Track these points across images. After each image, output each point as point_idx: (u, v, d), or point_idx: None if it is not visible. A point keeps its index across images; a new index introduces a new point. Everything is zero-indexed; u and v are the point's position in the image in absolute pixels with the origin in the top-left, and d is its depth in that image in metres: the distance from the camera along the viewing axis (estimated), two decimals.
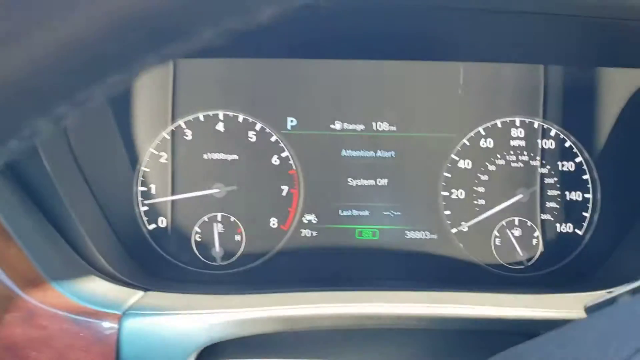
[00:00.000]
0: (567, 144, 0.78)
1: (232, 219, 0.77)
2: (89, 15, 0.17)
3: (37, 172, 0.59)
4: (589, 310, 0.48)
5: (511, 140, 0.78)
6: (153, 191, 0.76)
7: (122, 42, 0.18)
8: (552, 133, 0.78)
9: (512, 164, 0.78)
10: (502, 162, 0.78)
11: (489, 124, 0.78)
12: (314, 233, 0.79)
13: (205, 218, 0.77)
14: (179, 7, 0.17)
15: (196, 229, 0.77)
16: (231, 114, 0.77)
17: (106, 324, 0.53)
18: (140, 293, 0.61)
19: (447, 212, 0.78)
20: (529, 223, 0.77)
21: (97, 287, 0.59)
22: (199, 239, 0.77)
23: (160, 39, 0.18)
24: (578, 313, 0.57)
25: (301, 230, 0.79)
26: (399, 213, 0.79)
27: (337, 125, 0.79)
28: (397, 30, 0.67)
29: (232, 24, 0.18)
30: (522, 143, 0.78)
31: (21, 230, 0.55)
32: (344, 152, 0.79)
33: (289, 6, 0.19)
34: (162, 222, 0.77)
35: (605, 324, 0.26)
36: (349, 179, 0.79)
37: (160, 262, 0.75)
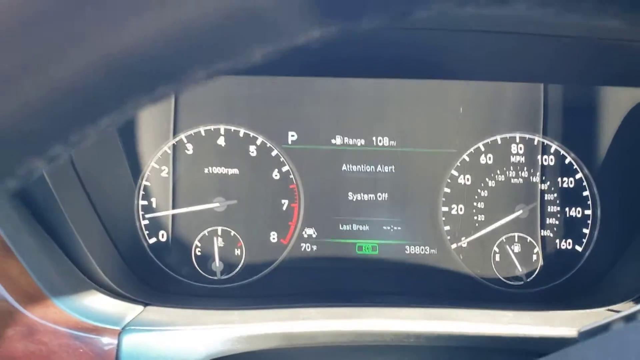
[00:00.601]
0: (567, 160, 0.78)
1: (232, 233, 0.78)
2: (83, 60, 0.17)
3: (39, 186, 0.60)
4: (582, 335, 0.49)
5: (511, 157, 0.78)
6: (154, 205, 0.77)
7: (114, 85, 0.18)
8: (552, 149, 0.78)
9: (512, 180, 0.78)
10: (502, 178, 0.78)
11: (488, 140, 0.78)
12: (314, 247, 0.79)
13: (206, 232, 0.78)
14: (170, 51, 0.18)
15: (196, 242, 0.78)
16: (232, 128, 0.78)
17: (105, 340, 0.54)
18: (139, 308, 0.62)
19: (447, 228, 0.79)
20: (529, 239, 0.78)
21: (97, 302, 0.59)
22: (199, 253, 0.78)
23: (152, 81, 0.18)
24: (573, 332, 0.57)
25: (301, 244, 0.79)
26: (399, 228, 0.80)
27: (338, 140, 0.79)
28: (398, 51, 0.68)
29: (223, 66, 0.19)
30: (522, 159, 0.78)
31: (22, 245, 0.55)
32: (344, 167, 0.79)
33: (280, 48, 0.19)
34: (163, 235, 0.77)
35: (595, 353, 0.26)
36: (349, 194, 0.79)
37: (160, 275, 0.76)
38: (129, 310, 0.60)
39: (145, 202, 0.77)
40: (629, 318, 0.29)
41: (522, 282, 0.78)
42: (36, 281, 0.54)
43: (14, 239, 0.55)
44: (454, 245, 0.78)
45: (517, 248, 0.78)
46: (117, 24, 0.17)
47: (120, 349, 0.54)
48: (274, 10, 0.18)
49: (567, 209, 0.78)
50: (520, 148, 0.78)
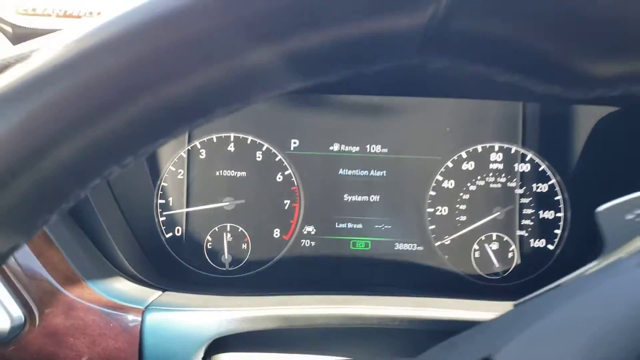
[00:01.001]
0: (541, 168, 0.86)
1: (240, 229, 0.86)
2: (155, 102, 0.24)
3: None
4: (516, 306, 0.55)
5: (490, 164, 0.86)
6: (171, 203, 0.85)
7: (166, 120, 0.25)
8: (528, 158, 0.86)
9: (491, 185, 0.86)
10: (482, 182, 0.86)
11: (470, 149, 0.86)
12: (313, 243, 0.87)
13: (216, 228, 0.85)
14: (202, 97, 0.25)
15: (208, 237, 0.86)
16: (241, 136, 0.86)
17: (131, 317, 0.63)
18: (158, 292, 0.71)
19: (432, 227, 0.86)
20: (506, 238, 0.86)
21: (123, 286, 0.68)
22: (210, 247, 0.86)
23: (175, 121, 0.25)
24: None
25: (301, 240, 0.87)
26: (389, 226, 0.87)
27: (335, 147, 0.88)
28: (390, 73, 0.76)
29: (238, 106, 0.27)
30: (500, 166, 0.86)
31: (61, 237, 0.65)
32: (340, 171, 0.87)
33: (279, 92, 0.27)
34: (178, 231, 0.86)
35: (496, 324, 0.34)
36: (345, 195, 0.87)
37: (176, 266, 0.84)
38: (150, 294, 0.69)
39: (163, 201, 0.85)
40: (557, 287, 0.37)
41: (498, 277, 0.86)
42: (73, 267, 0.64)
43: (54, 232, 0.64)
44: (438, 243, 0.86)
45: (495, 246, 0.86)
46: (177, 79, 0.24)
47: (144, 324, 0.63)
48: (265, 71, 0.25)
49: (540, 212, 0.86)
50: (499, 156, 0.86)
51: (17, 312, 0.58)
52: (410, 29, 0.24)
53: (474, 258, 0.86)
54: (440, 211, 0.86)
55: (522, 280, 0.85)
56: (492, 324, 0.34)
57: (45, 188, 0.24)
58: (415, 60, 0.26)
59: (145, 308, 0.64)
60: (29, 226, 0.26)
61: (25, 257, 0.60)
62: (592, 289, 0.31)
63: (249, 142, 0.86)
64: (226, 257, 0.85)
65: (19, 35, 1.09)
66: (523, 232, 0.86)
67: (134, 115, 0.24)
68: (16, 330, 0.58)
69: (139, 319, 0.63)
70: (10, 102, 0.23)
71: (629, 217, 0.38)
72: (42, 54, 0.22)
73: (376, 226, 0.87)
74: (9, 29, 1.08)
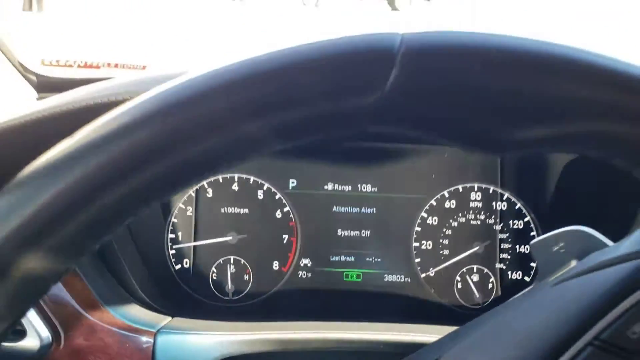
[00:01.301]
0: (517, 206, 0.94)
1: (243, 261, 0.93)
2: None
3: None
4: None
5: (470, 202, 0.94)
6: (180, 238, 0.93)
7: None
8: (505, 197, 0.94)
9: (472, 222, 0.94)
10: (463, 219, 0.94)
11: (452, 189, 0.94)
12: (309, 274, 0.94)
13: (221, 260, 0.93)
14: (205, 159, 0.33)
15: (213, 269, 0.93)
16: (244, 176, 0.95)
17: (144, 339, 0.70)
18: (168, 318, 0.78)
19: (418, 260, 0.94)
20: (485, 270, 0.94)
21: (137, 312, 0.76)
22: (215, 277, 0.93)
23: (191, 174, 0.33)
24: None
25: (298, 272, 0.94)
26: (379, 259, 0.94)
27: (329, 186, 0.96)
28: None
29: (236, 164, 0.35)
30: (480, 205, 0.94)
31: (84, 268, 0.73)
32: (334, 208, 0.95)
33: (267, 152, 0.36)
34: (187, 263, 0.93)
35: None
36: (339, 230, 0.95)
37: (184, 294, 0.91)
38: (161, 319, 0.76)
39: (173, 235, 0.93)
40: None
41: (479, 306, 0.93)
42: (94, 293, 0.71)
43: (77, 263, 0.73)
44: (423, 275, 0.94)
45: (475, 278, 0.93)
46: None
47: (156, 345, 0.70)
48: (254, 138, 0.33)
49: (517, 246, 0.93)
50: (478, 195, 0.95)
51: (46, 333, 0.66)
52: (362, 108, 0.32)
53: (457, 289, 0.93)
54: (425, 245, 0.94)
55: None
56: (443, 338, 0.42)
57: (97, 224, 0.33)
58: (370, 128, 0.35)
59: (157, 331, 0.72)
60: (81, 253, 0.34)
61: None
62: (516, 306, 0.39)
63: (251, 182, 0.95)
64: (230, 287, 0.92)
65: (43, 84, 1.20)
66: (502, 265, 0.94)
67: (159, 173, 0.32)
68: (44, 349, 0.66)
69: (152, 340, 0.70)
70: (69, 161, 0.31)
71: (555, 248, 0.46)
72: (106, 120, 0.31)
73: (367, 259, 0.95)
74: (34, 78, 1.19)
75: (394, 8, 1.46)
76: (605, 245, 0.43)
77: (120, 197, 0.30)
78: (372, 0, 1.49)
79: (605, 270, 0.38)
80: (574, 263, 0.41)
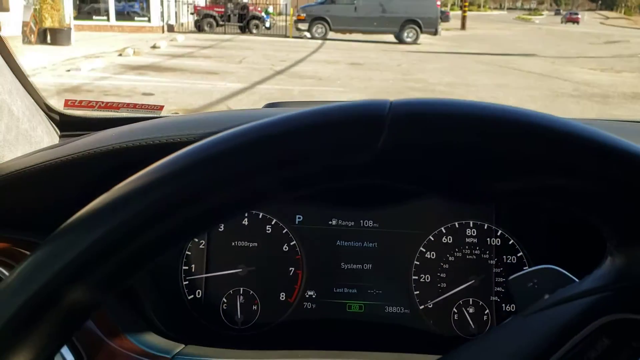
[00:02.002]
0: (510, 242, 1.00)
1: (251, 292, 0.98)
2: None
3: None
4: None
5: (466, 238, 1.00)
6: (193, 270, 0.98)
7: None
8: (499, 233, 1.00)
9: (467, 256, 1.00)
10: (459, 254, 1.00)
11: (449, 225, 1.01)
12: (314, 305, 0.99)
13: (231, 291, 0.98)
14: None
15: (223, 299, 0.98)
16: (253, 212, 1.01)
17: None
18: (182, 345, 0.84)
19: (417, 292, 0.99)
20: (481, 303, 0.99)
21: (153, 339, 0.81)
22: (225, 308, 0.98)
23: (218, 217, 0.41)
24: None
25: (304, 303, 0.99)
26: (380, 291, 0.99)
27: (334, 222, 1.02)
28: None
29: (252, 209, 0.42)
30: (475, 240, 1.00)
31: None
32: (338, 242, 1.01)
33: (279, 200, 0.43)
34: (199, 293, 0.99)
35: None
36: (342, 264, 1.00)
37: (196, 324, 0.97)
38: (175, 346, 0.81)
39: (186, 267, 0.99)
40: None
41: (474, 337, 0.98)
42: (115, 322, 0.78)
43: None
44: (421, 306, 0.99)
45: (471, 309, 0.98)
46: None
47: None
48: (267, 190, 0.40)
49: None
50: (474, 232, 1.00)
51: (70, 358, 0.72)
52: (354, 165, 0.39)
53: (453, 320, 0.98)
54: (424, 278, 0.99)
55: None
56: None
57: (133, 262, 0.39)
58: (361, 182, 0.41)
59: (172, 357, 0.77)
60: (117, 286, 0.40)
61: None
62: (491, 336, 0.45)
63: (260, 217, 1.01)
64: (239, 317, 0.98)
65: (65, 123, 1.27)
66: (496, 298, 0.99)
67: (183, 221, 0.38)
68: None
69: None
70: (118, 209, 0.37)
71: (530, 284, 0.51)
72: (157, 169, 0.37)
73: (369, 291, 1.00)
74: (57, 117, 1.26)
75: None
76: (571, 281, 0.49)
77: (150, 242, 0.36)
78: None
79: (568, 304, 0.43)
80: (546, 297, 0.47)
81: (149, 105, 1.25)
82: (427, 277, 0.99)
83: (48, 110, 1.24)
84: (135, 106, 1.24)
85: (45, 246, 0.35)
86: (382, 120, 0.37)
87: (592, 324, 0.41)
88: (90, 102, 1.22)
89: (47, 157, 0.84)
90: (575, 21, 40.54)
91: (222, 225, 1.01)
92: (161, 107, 1.25)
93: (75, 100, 1.22)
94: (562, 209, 0.40)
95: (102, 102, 1.23)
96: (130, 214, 0.35)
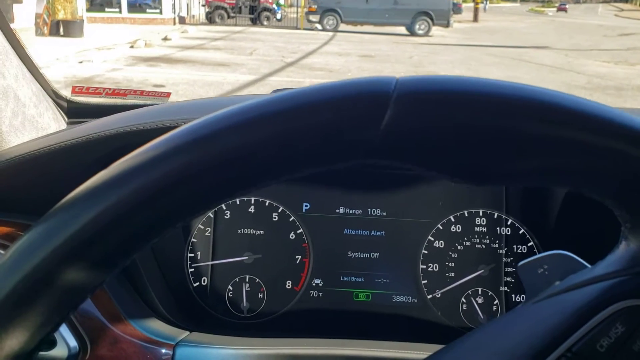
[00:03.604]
0: (521, 231, 0.98)
1: (257, 280, 0.98)
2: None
3: None
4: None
5: (475, 227, 0.99)
6: (198, 257, 0.98)
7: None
8: (509, 222, 0.98)
9: (477, 246, 0.98)
10: (468, 243, 0.98)
11: (458, 214, 0.99)
12: (320, 294, 0.99)
13: (237, 279, 0.97)
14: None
15: (229, 287, 0.97)
16: (260, 199, 1.00)
17: (164, 350, 0.75)
18: (186, 332, 0.83)
19: (425, 282, 0.98)
20: (490, 293, 0.97)
21: (157, 325, 0.81)
22: (231, 295, 0.98)
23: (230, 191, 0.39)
24: None
25: (310, 291, 0.98)
26: (388, 281, 0.98)
27: (341, 210, 1.01)
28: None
29: (251, 191, 0.41)
30: (485, 229, 0.98)
31: (109, 283, 0.78)
32: (345, 231, 1.00)
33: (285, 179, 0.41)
34: (204, 281, 0.98)
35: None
36: (349, 252, 0.99)
37: (201, 311, 0.96)
38: (180, 333, 0.81)
39: (192, 255, 0.99)
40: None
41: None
42: (118, 307, 0.77)
43: None
44: (429, 296, 0.98)
45: (480, 300, 0.97)
46: None
47: (174, 357, 0.75)
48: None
49: None
50: (483, 221, 0.99)
51: (73, 343, 0.71)
52: (359, 144, 0.37)
53: (462, 310, 0.97)
54: (432, 268, 0.98)
55: None
56: (430, 356, 0.46)
57: (130, 242, 0.38)
58: (366, 161, 0.40)
59: (176, 344, 0.77)
60: (115, 267, 0.39)
61: None
62: (500, 323, 0.44)
63: (266, 204, 1.00)
64: (245, 305, 0.97)
65: (73, 109, 1.27)
66: (506, 288, 0.97)
67: (184, 198, 0.37)
68: (72, 358, 0.71)
69: (171, 352, 0.75)
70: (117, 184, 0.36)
71: (540, 271, 0.50)
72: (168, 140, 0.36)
73: (376, 280, 0.99)
74: (65, 104, 1.26)
75: None
76: (583, 267, 0.48)
77: (147, 221, 0.35)
78: None
79: (580, 289, 0.42)
80: (557, 283, 0.45)
81: (155, 92, 1.24)
82: (436, 267, 0.98)
83: (56, 97, 1.23)
84: (142, 93, 1.23)
85: (39, 226, 0.34)
86: (388, 98, 0.36)
87: (605, 310, 0.40)
88: (97, 89, 1.22)
89: (51, 141, 0.83)
90: (564, 10, 47.13)
91: (229, 212, 1.00)
92: (168, 94, 1.25)
93: (83, 87, 1.22)
94: (576, 191, 0.38)
95: (110, 89, 1.22)
96: (127, 192, 0.34)
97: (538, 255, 0.50)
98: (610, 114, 0.36)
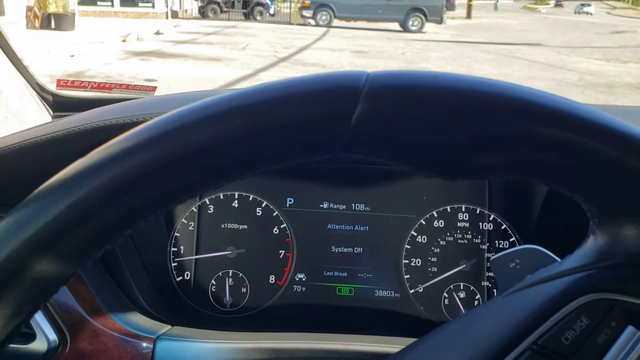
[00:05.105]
0: (503, 227, 0.99)
1: (240, 275, 0.98)
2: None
3: None
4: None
5: (458, 222, 0.99)
6: (182, 251, 0.98)
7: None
8: (491, 218, 0.99)
9: (459, 241, 0.99)
10: (450, 238, 0.99)
11: (440, 209, 1.00)
12: (304, 288, 0.99)
13: (220, 273, 0.98)
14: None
15: (212, 281, 0.98)
16: (244, 194, 1.00)
17: (145, 344, 0.75)
18: (168, 326, 0.83)
19: (407, 276, 0.98)
20: (472, 288, 0.98)
21: (138, 319, 0.81)
22: (214, 290, 0.98)
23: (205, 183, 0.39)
24: None
25: (294, 285, 0.99)
26: (371, 275, 0.99)
27: (325, 205, 1.01)
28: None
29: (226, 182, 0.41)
30: (467, 225, 0.99)
31: (90, 277, 0.78)
32: (329, 226, 1.00)
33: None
34: (187, 275, 0.98)
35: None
36: (333, 247, 1.00)
37: (184, 305, 0.96)
38: (161, 327, 0.81)
39: (175, 249, 0.99)
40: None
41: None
42: (99, 301, 0.77)
43: (85, 272, 0.78)
44: (412, 291, 0.98)
45: (462, 294, 0.98)
46: None
47: (155, 350, 0.75)
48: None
49: None
50: (466, 216, 0.99)
51: (53, 337, 0.71)
52: (331, 138, 0.37)
53: (444, 305, 0.97)
54: (415, 263, 0.99)
55: None
56: (405, 348, 0.46)
57: (100, 234, 0.38)
58: (339, 155, 0.40)
59: (157, 337, 0.77)
60: (85, 259, 0.39)
61: (61, 291, 0.74)
62: (471, 316, 0.44)
63: (250, 199, 1.00)
64: (227, 299, 0.97)
65: (58, 103, 1.26)
66: (487, 283, 0.98)
67: (154, 193, 0.37)
68: (51, 352, 0.71)
69: (151, 346, 0.75)
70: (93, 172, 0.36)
71: (512, 265, 0.50)
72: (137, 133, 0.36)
73: (359, 275, 0.99)
74: (50, 98, 1.25)
75: None
76: (554, 261, 0.48)
77: (119, 213, 0.35)
78: None
79: (547, 283, 0.42)
80: (528, 277, 0.46)
81: (141, 86, 1.24)
82: (418, 261, 0.99)
83: (41, 91, 1.23)
84: (127, 87, 1.23)
85: (9, 217, 0.34)
86: (358, 93, 0.36)
87: (571, 303, 0.40)
88: (82, 82, 1.21)
89: (34, 134, 0.83)
90: (560, 6, 50.74)
91: (212, 207, 1.00)
92: (154, 88, 1.24)
93: (68, 81, 1.21)
94: (546, 186, 0.39)
95: (95, 83, 1.22)
96: (99, 183, 0.34)
97: (510, 250, 0.51)
98: (579, 110, 0.36)
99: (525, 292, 0.43)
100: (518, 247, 0.51)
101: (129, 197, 0.35)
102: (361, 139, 0.36)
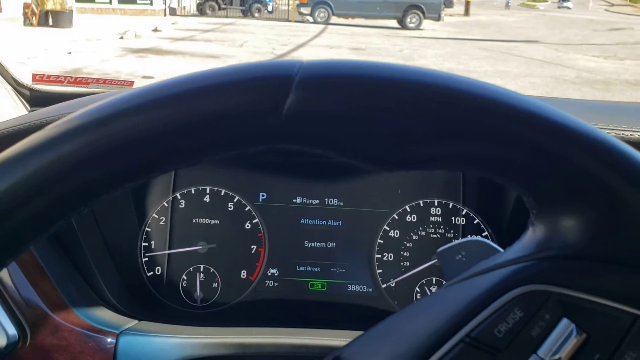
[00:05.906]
0: (476, 221, 0.99)
1: (212, 270, 0.98)
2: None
3: (67, 227, 0.83)
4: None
5: (430, 217, 0.99)
6: (153, 246, 0.98)
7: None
8: (463, 212, 0.99)
9: (431, 235, 0.99)
10: (423, 233, 0.99)
11: (413, 203, 0.99)
12: (276, 283, 0.99)
13: (191, 268, 0.97)
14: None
15: (183, 276, 0.97)
16: (216, 188, 1.00)
17: (107, 339, 0.75)
18: (135, 321, 0.82)
19: (380, 271, 0.98)
20: (444, 282, 0.97)
21: (104, 314, 0.80)
22: (185, 285, 0.97)
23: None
24: None
25: (266, 281, 0.98)
26: (344, 270, 0.99)
27: (298, 200, 1.01)
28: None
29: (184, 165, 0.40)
30: (439, 219, 0.99)
31: (53, 269, 0.78)
32: (302, 221, 1.00)
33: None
34: (158, 270, 0.98)
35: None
36: (305, 242, 0.99)
37: (155, 301, 0.96)
38: (127, 322, 0.80)
39: (146, 244, 0.98)
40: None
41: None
42: (61, 295, 0.76)
43: (47, 264, 0.77)
44: (384, 285, 0.98)
45: (434, 289, 0.97)
46: None
47: (117, 346, 0.74)
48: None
49: None
50: (438, 210, 0.99)
51: (13, 331, 0.71)
52: (264, 128, 0.37)
53: (416, 299, 0.97)
54: (387, 257, 0.98)
55: None
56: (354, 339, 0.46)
57: (32, 221, 0.37)
58: (276, 146, 0.39)
59: (120, 332, 0.76)
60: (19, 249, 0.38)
61: (22, 285, 0.74)
62: (412, 307, 0.44)
63: (222, 194, 1.00)
64: (198, 294, 0.97)
65: (36, 98, 1.26)
66: None
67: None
68: (10, 347, 0.71)
69: (114, 341, 0.75)
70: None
71: (458, 257, 0.50)
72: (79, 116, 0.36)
73: (332, 269, 0.99)
74: (27, 92, 1.25)
75: None
76: (497, 252, 0.48)
77: (45, 207, 0.35)
78: None
79: (485, 275, 0.42)
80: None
81: (118, 80, 1.23)
82: (391, 256, 0.98)
83: (16, 85, 1.22)
84: (105, 82, 1.22)
85: None
86: (290, 82, 0.35)
87: (505, 295, 0.40)
88: (59, 77, 1.21)
89: (6, 125, 0.83)
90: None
91: (183, 201, 1.00)
92: (131, 83, 1.24)
93: (44, 75, 1.21)
94: (483, 176, 0.38)
95: (72, 77, 1.21)
96: (40, 164, 0.33)
97: (456, 242, 0.51)
98: (514, 100, 0.35)
99: (462, 284, 0.43)
100: (463, 240, 0.50)
101: (57, 187, 0.34)
102: (295, 130, 0.35)
